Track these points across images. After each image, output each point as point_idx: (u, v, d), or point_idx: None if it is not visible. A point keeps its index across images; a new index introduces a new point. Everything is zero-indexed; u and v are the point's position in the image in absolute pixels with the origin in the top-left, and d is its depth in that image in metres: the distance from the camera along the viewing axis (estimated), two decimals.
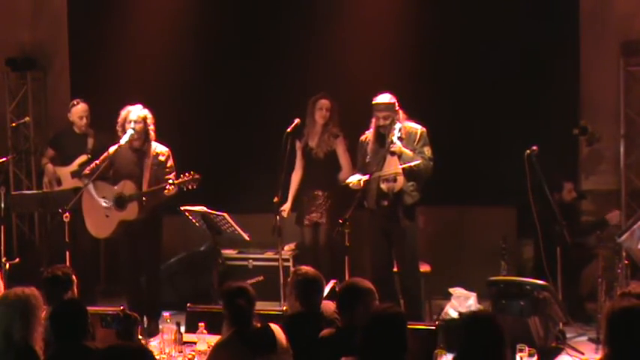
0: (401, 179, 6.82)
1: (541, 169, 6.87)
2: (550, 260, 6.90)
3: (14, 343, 4.30)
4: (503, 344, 3.99)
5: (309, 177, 7.65)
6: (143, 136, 7.18)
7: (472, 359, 3.98)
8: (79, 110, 8.14)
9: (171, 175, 7.13)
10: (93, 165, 7.20)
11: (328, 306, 5.15)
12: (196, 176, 6.96)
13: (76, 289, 5.27)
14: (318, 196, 7.58)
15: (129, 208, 7.11)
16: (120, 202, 7.13)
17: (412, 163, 6.73)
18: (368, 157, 6.96)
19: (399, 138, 6.77)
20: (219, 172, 8.38)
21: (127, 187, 7.12)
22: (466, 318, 4.28)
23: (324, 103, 7.54)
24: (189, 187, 6.96)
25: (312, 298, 5.06)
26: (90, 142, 8.17)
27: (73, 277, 5.27)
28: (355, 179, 6.89)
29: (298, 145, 7.62)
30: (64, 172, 8.20)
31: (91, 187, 7.20)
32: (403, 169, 6.75)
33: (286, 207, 7.66)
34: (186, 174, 6.98)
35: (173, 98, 8.62)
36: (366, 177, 6.79)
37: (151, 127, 7.20)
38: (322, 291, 5.20)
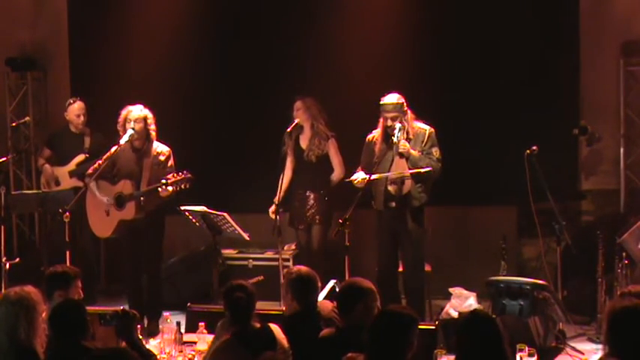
0: (408, 182, 6.82)
1: (541, 169, 6.87)
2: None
3: (18, 343, 4.29)
4: (501, 341, 4.01)
5: (300, 178, 7.59)
6: (144, 135, 7.17)
7: (473, 358, 3.99)
8: (75, 108, 8.15)
9: (170, 175, 7.12)
10: (96, 165, 7.19)
11: (326, 305, 5.15)
12: (189, 176, 6.94)
13: (81, 291, 5.26)
14: (309, 198, 7.54)
15: (127, 208, 7.10)
16: (120, 202, 7.13)
17: (422, 170, 6.73)
18: (375, 157, 6.94)
19: (407, 139, 6.76)
20: (219, 172, 8.39)
21: (125, 186, 7.12)
22: (464, 318, 4.29)
23: (296, 105, 7.49)
24: (183, 186, 6.94)
25: (308, 297, 5.06)
26: (87, 141, 8.17)
27: (75, 277, 5.26)
28: (360, 177, 6.87)
29: (289, 145, 7.53)
30: (62, 171, 8.19)
31: (94, 186, 7.20)
32: (411, 173, 6.76)
33: (272, 208, 7.52)
34: (180, 173, 6.97)
35: (173, 98, 8.62)
36: (370, 176, 6.78)
37: (152, 127, 7.19)
38: (317, 289, 5.20)
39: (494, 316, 5.93)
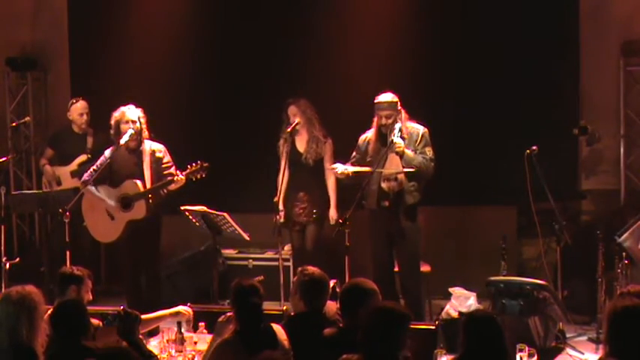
0: (402, 179, 6.82)
1: (541, 169, 6.87)
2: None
3: (17, 342, 4.29)
4: (502, 339, 4.02)
5: (296, 180, 7.57)
6: (139, 135, 7.19)
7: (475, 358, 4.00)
8: (78, 108, 8.15)
9: (171, 170, 7.11)
10: (90, 170, 7.17)
11: (331, 307, 5.12)
12: (205, 164, 6.95)
13: (91, 293, 5.30)
14: (303, 199, 7.53)
15: (136, 207, 7.08)
16: (126, 203, 7.11)
17: (413, 170, 6.74)
18: (369, 156, 6.95)
19: (401, 137, 6.78)
20: (219, 172, 8.36)
21: (129, 187, 7.11)
22: (464, 318, 4.31)
23: (290, 110, 7.47)
24: (199, 176, 6.95)
25: (316, 299, 5.00)
26: (89, 141, 8.17)
27: (88, 277, 5.31)
28: (341, 168, 6.89)
29: (285, 148, 7.50)
30: (64, 171, 8.19)
31: (94, 190, 7.18)
32: (405, 171, 6.76)
33: (280, 207, 7.53)
34: (194, 164, 6.97)
35: (173, 98, 8.63)
36: (352, 169, 6.81)
37: (144, 126, 7.21)
38: (327, 292, 5.15)
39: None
